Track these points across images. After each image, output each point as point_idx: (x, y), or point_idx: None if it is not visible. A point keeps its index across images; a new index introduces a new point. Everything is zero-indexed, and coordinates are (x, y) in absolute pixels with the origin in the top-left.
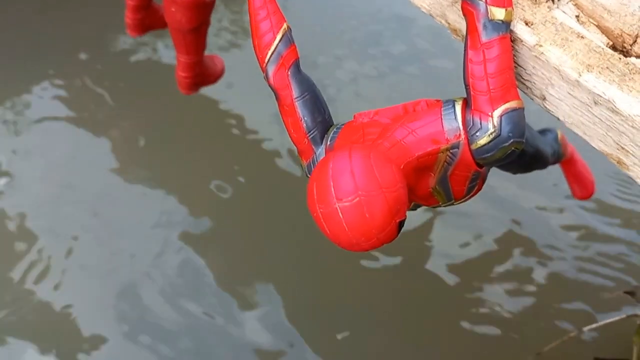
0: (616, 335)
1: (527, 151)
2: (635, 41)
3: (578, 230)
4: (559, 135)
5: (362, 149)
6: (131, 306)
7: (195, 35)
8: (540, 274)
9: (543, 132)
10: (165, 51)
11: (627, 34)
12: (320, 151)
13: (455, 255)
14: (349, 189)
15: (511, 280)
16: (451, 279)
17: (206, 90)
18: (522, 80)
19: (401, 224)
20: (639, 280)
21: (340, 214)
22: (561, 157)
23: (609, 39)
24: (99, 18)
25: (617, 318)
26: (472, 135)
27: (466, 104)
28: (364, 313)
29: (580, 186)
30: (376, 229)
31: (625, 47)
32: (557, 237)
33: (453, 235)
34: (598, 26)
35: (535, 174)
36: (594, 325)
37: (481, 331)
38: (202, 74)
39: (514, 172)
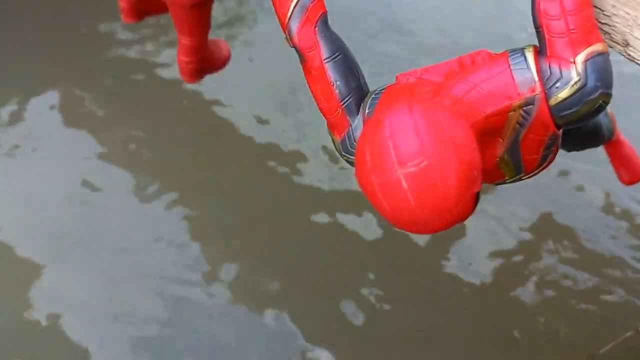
0: None
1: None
2: None
3: (626, 220)
4: (609, 110)
5: (424, 101)
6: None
7: (199, 11)
8: (589, 267)
9: None
10: (165, 53)
11: None
12: (358, 122)
13: (484, 255)
14: (414, 150)
15: (554, 274)
16: (483, 278)
17: (204, 92)
18: (598, 24)
19: (477, 197)
20: None
21: (404, 182)
22: (611, 135)
23: None
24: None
25: None
26: (550, 88)
27: (538, 51)
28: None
29: (628, 169)
30: (451, 201)
31: None
32: (599, 227)
33: (482, 227)
34: None
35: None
36: None
37: (523, 330)
38: (207, 59)
39: (569, 149)
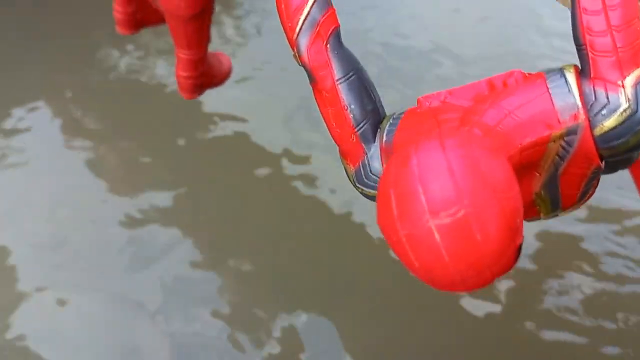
0: None
1: None
2: None
3: None
4: None
5: (457, 135)
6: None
7: (198, 23)
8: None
9: None
10: (161, 66)
11: None
12: (374, 150)
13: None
14: (448, 197)
15: (569, 308)
16: (497, 301)
17: (204, 104)
18: None
19: (520, 249)
20: None
21: (436, 235)
22: (638, 155)
23: None
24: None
25: None
26: (595, 115)
27: (580, 72)
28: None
29: None
30: (491, 257)
31: None
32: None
33: None
34: None
35: None
36: None
37: None
38: (207, 73)
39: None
